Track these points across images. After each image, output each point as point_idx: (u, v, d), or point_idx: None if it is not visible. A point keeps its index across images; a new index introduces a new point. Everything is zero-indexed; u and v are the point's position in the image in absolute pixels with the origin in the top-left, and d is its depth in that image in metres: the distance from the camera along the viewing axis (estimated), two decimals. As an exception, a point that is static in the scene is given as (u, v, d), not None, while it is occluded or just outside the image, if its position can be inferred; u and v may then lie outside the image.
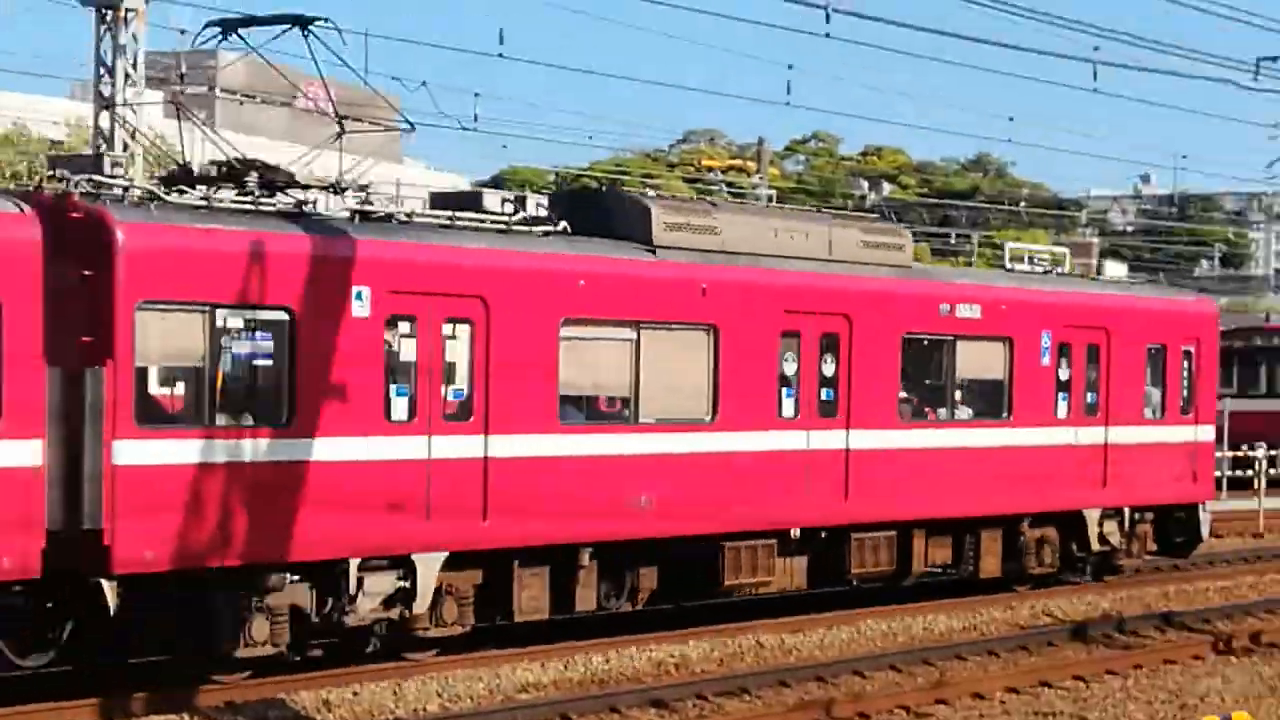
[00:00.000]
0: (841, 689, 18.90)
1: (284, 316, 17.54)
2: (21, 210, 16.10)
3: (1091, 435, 26.97)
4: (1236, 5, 32.15)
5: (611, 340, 20.72)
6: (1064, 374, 26.52)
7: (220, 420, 17.14)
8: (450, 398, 19.12)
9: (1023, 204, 77.24)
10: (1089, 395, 26.97)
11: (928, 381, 24.91)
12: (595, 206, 21.79)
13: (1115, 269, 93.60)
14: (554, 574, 20.42)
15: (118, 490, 16.33)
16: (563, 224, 20.68)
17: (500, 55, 38.97)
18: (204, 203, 17.64)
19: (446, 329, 18.99)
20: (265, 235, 17.55)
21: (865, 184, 78.63)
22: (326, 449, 17.83)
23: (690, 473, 21.34)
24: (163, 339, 16.89)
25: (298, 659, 18.51)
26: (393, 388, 18.55)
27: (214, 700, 17.22)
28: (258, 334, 17.45)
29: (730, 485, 21.80)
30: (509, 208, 20.54)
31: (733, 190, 79.96)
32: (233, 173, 18.46)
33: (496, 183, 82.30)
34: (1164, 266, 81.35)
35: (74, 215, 16.44)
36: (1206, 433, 29.32)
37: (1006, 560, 26.20)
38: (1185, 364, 28.71)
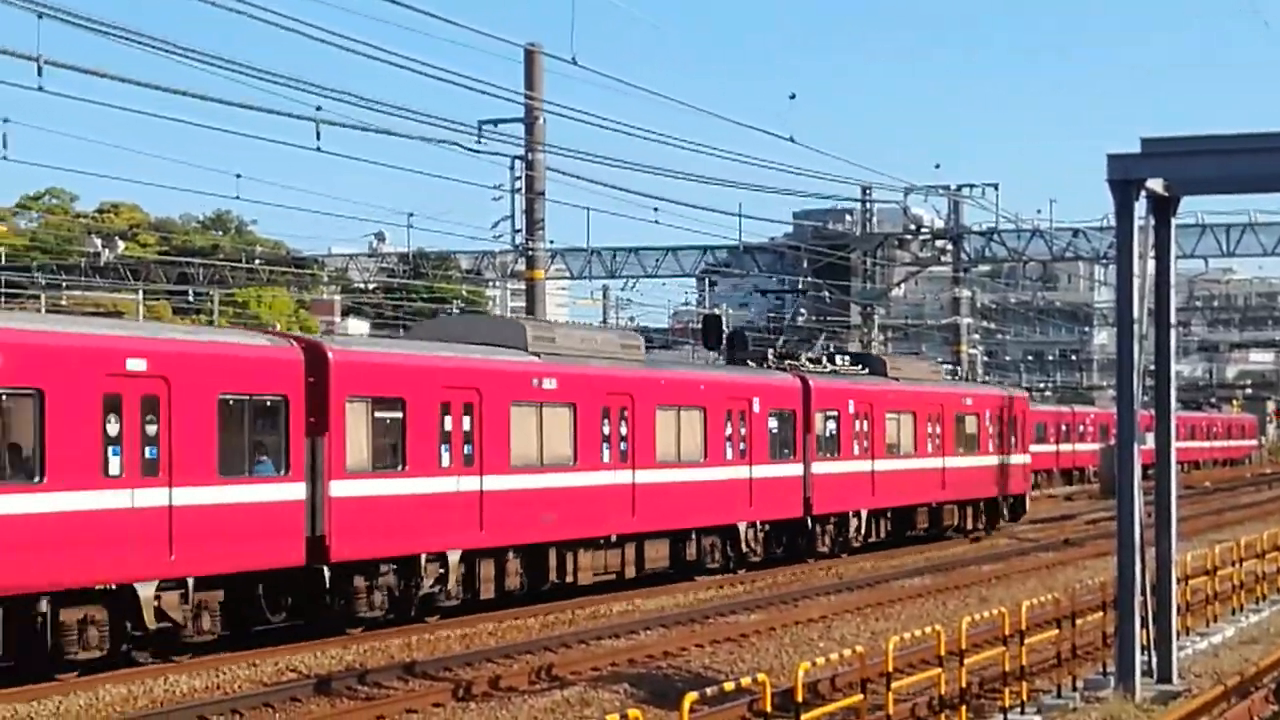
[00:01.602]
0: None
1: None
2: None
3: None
4: (459, 71, 38.46)
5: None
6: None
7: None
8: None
9: (258, 261, 76.21)
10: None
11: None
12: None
13: (357, 326, 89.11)
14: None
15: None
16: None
17: None
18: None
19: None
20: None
21: (99, 241, 70.99)
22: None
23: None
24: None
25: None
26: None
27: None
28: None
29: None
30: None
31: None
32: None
33: None
34: (406, 323, 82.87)
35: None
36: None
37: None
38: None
